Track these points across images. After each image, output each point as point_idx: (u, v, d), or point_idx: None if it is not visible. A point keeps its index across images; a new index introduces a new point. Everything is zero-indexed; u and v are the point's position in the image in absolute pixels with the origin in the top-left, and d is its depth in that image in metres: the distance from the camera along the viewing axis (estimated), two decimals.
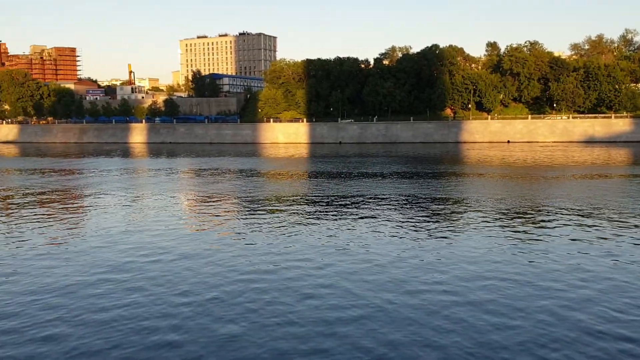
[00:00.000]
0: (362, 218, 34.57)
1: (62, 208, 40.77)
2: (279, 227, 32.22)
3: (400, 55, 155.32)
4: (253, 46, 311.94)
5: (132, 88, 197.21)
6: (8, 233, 31.78)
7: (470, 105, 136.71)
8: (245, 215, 36.87)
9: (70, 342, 16.03)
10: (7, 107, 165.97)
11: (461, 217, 35.02)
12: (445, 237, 28.81)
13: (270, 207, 40.23)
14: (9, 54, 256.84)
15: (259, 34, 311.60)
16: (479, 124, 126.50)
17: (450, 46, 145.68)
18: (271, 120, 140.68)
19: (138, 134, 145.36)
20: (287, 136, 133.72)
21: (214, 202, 42.92)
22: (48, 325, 17.33)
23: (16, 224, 34.22)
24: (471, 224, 32.28)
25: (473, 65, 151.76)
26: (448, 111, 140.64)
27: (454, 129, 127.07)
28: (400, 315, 17.84)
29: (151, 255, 25.81)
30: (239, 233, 30.96)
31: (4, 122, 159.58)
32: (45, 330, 16.95)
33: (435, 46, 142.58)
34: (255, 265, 23.99)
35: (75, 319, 17.86)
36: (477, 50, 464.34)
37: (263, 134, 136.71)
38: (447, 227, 31.68)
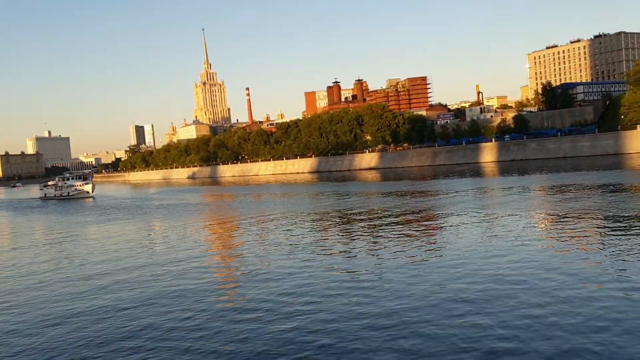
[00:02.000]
0: None
1: (418, 228, 42.89)
2: None
3: None
4: (612, 47, 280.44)
5: (480, 108, 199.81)
6: (371, 250, 34.77)
7: None
8: (605, 232, 31.93)
9: None
10: (368, 137, 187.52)
11: None
12: None
13: None
14: (369, 90, 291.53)
15: (619, 33, 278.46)
16: None
17: None
18: (638, 127, 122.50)
19: (488, 153, 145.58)
20: None
21: (573, 220, 38.76)
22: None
23: (377, 242, 37.26)
24: None
25: None
26: None
27: None
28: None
29: (508, 282, 24.34)
30: (606, 253, 26.79)
31: (367, 151, 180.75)
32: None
33: None
34: None
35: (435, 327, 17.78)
36: None
37: (627, 143, 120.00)
38: None
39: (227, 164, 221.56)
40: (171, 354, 19.02)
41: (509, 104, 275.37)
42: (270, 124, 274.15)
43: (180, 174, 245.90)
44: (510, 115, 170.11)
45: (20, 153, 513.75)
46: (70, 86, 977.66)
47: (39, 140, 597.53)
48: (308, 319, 21.45)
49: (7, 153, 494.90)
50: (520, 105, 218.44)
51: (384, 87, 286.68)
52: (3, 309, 27.76)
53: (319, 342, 18.81)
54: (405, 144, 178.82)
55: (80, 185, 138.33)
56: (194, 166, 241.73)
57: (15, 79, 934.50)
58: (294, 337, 19.46)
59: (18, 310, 27.18)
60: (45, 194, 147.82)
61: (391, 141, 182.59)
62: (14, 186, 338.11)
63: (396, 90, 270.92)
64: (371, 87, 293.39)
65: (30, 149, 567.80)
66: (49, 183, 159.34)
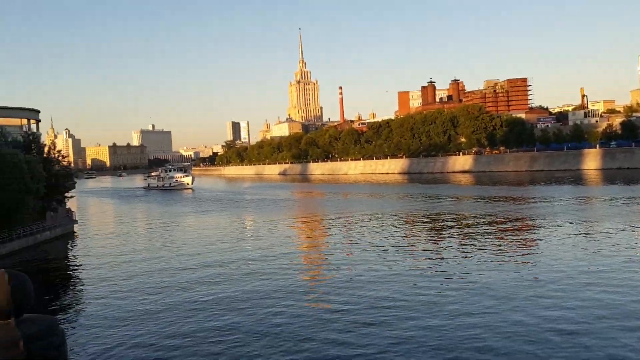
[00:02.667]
0: None
1: (512, 237, 41.07)
2: None
3: None
4: None
5: (584, 112, 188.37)
6: (459, 257, 33.71)
7: None
8: None
9: None
10: (463, 139, 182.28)
11: None
12: None
13: None
14: (465, 91, 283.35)
15: None
16: None
17: None
18: None
19: (591, 160, 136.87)
20: None
21: None
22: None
23: (467, 250, 36.05)
24: None
25: None
26: None
27: None
28: None
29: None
30: None
31: (461, 153, 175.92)
32: None
33: None
34: None
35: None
36: None
37: None
38: None
39: (318, 161, 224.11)
40: (256, 352, 19.41)
41: (617, 109, 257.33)
42: (362, 124, 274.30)
43: (272, 170, 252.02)
44: (617, 121, 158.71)
45: (126, 145, 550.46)
46: (174, 83, 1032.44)
47: (143, 133, 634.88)
48: (391, 322, 21.15)
49: (114, 144, 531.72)
50: (630, 110, 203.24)
51: (481, 88, 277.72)
52: (99, 295, 29.68)
53: (405, 346, 18.47)
54: (501, 148, 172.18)
55: (181, 177, 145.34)
56: (285, 163, 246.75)
57: (124, 75, 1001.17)
58: (374, 340, 19.23)
59: (114, 298, 28.96)
60: (148, 184, 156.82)
61: (487, 144, 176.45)
62: (120, 175, 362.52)
63: (494, 91, 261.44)
64: (468, 88, 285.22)
65: (135, 141, 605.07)
66: (152, 174, 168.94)
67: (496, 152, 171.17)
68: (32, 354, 1.20)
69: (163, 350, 19.96)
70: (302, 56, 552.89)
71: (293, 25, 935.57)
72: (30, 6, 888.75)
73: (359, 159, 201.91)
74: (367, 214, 60.80)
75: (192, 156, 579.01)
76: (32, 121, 68.40)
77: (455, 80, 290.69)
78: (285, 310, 23.85)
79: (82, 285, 33.97)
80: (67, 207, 63.36)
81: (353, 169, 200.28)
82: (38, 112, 70.45)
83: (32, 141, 56.71)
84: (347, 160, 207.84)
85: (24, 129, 63.53)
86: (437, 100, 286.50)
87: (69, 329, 23.50)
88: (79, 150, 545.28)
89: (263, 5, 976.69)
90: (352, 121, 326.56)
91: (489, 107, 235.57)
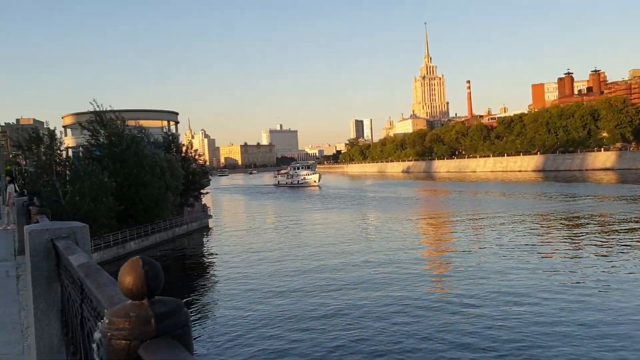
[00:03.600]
0: None
1: None
2: None
3: None
4: None
5: None
6: (597, 260, 30.62)
7: None
8: None
9: None
10: (605, 134, 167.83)
11: None
12: None
13: None
14: (607, 82, 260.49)
15: None
16: None
17: None
18: None
19: None
20: None
21: None
22: None
23: (606, 253, 32.67)
24: None
25: None
26: None
27: None
28: None
29: None
30: None
31: (602, 149, 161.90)
32: None
33: None
34: None
35: None
36: None
37: None
38: None
39: (443, 159, 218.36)
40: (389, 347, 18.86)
41: None
42: (491, 119, 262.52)
43: (395, 168, 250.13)
44: None
45: (256, 144, 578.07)
46: (300, 84, 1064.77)
47: (272, 132, 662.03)
48: (518, 322, 19.59)
49: (245, 144, 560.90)
50: None
51: (625, 79, 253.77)
52: (228, 286, 30.83)
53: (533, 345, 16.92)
54: None
55: (308, 175, 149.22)
56: (409, 160, 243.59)
57: (255, 78, 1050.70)
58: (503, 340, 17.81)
59: (241, 289, 29.91)
60: (278, 182, 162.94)
61: (632, 139, 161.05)
62: (250, 173, 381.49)
63: None
64: (610, 79, 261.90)
65: (264, 140, 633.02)
66: (282, 172, 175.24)
67: None
68: (161, 331, 1.40)
69: (282, 343, 20.14)
70: (428, 51, 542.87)
71: (417, 19, 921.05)
72: (172, 13, 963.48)
73: (489, 156, 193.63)
74: (497, 214, 57.68)
75: (317, 154, 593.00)
76: (171, 123, 73.69)
77: (595, 71, 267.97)
78: (411, 315, 23.08)
79: (213, 275, 35.77)
80: (202, 202, 67.35)
81: (482, 166, 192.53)
82: (177, 114, 75.75)
83: (171, 141, 60.94)
84: (475, 157, 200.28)
85: (164, 130, 68.56)
86: (575, 92, 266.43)
87: (195, 313, 24.86)
88: (213, 149, 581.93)
89: (387, 1, 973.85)
90: (480, 116, 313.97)
91: (635, 99, 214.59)
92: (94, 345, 1.52)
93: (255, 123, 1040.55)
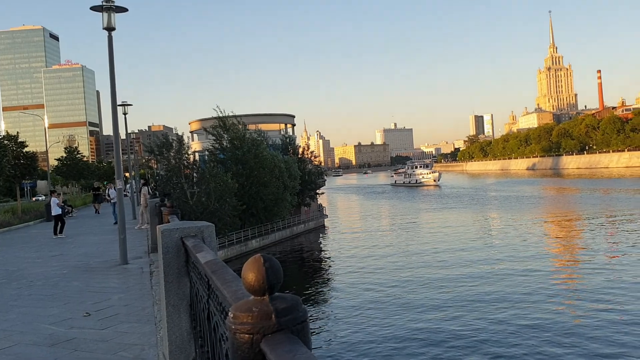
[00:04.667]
0: None
1: None
2: None
3: None
4: None
5: None
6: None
7: None
8: None
9: None
10: None
11: None
12: None
13: None
14: None
15: None
16: None
17: None
18: None
19: None
20: None
21: None
22: None
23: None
24: None
25: None
26: None
27: None
28: None
29: None
30: None
31: None
32: None
33: None
34: None
35: None
36: None
37: None
38: None
39: (572, 154, 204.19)
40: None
41: None
42: (626, 110, 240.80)
43: (518, 165, 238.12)
44: None
45: (370, 144, 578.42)
46: (414, 81, 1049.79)
47: (386, 131, 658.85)
48: None
49: (359, 143, 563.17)
50: None
51: None
52: (343, 285, 31.05)
53: None
54: None
55: (427, 174, 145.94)
56: (534, 157, 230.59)
57: (366, 77, 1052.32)
58: None
59: (355, 289, 30.01)
60: (395, 181, 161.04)
61: None
62: (365, 173, 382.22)
63: None
64: None
65: (378, 140, 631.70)
66: (399, 171, 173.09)
67: None
68: (281, 326, 1.47)
69: (394, 343, 19.94)
70: (553, 40, 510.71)
71: (541, 8, 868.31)
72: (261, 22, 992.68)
73: (623, 151, 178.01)
74: (633, 213, 52.79)
75: (433, 152, 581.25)
76: (288, 125, 75.95)
77: None
78: (532, 316, 21.81)
79: (329, 273, 36.36)
80: (318, 202, 68.66)
81: (616, 161, 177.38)
82: (293, 117, 77.95)
83: (288, 143, 62.80)
84: (608, 151, 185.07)
85: (281, 132, 70.84)
86: None
87: (311, 310, 25.40)
88: (328, 150, 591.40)
89: None
90: (613, 108, 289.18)
91: None
92: (220, 338, 1.58)
93: (369, 122, 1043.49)
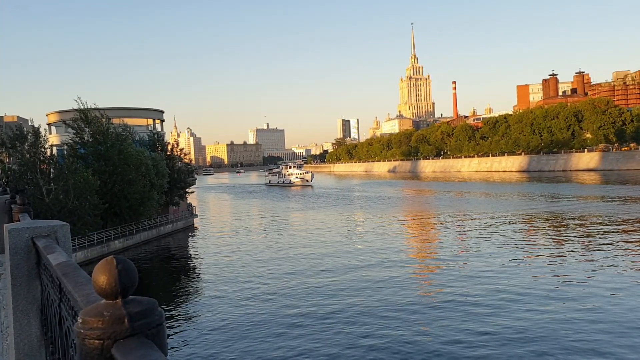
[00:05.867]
0: None
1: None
2: None
3: None
4: None
5: None
6: (580, 261, 31.01)
7: None
8: None
9: None
10: (588, 135, 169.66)
11: None
12: None
13: None
14: (591, 84, 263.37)
15: None
16: None
17: None
18: None
19: None
20: None
21: None
22: None
23: (589, 254, 33.11)
24: None
25: None
26: None
27: None
28: None
29: None
30: None
31: (586, 150, 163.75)
32: None
33: None
34: None
35: None
36: None
37: None
38: None
39: (429, 159, 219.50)
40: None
41: None
42: (477, 119, 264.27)
43: (381, 167, 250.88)
44: None
45: (242, 143, 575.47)
46: (286, 83, 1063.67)
47: (258, 131, 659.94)
48: (503, 322, 19.74)
49: (232, 142, 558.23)
50: None
51: (609, 81, 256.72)
52: (210, 286, 30.69)
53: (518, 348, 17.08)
54: (632, 144, 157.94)
55: (302, 174, 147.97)
56: (395, 160, 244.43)
57: (241, 76, 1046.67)
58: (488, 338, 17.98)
59: (224, 290, 29.80)
60: (269, 181, 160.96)
61: (615, 140, 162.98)
62: (238, 172, 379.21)
63: (624, 83, 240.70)
64: (594, 81, 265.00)
65: (251, 140, 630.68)
66: (273, 170, 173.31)
67: (626, 148, 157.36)
68: (135, 330, 1.41)
69: (260, 345, 20.11)
70: (414, 51, 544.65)
71: (404, 20, 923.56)
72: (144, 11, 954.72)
73: (473, 156, 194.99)
74: (482, 213, 58.13)
75: (304, 153, 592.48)
76: (157, 121, 73.17)
77: (580, 73, 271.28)
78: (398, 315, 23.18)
79: (196, 275, 35.64)
80: (188, 201, 66.97)
81: (467, 166, 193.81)
82: (162, 112, 75.22)
83: (156, 140, 60.53)
84: (461, 157, 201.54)
85: (149, 128, 68.07)
86: (560, 93, 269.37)
87: (173, 313, 24.82)
88: (199, 148, 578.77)
89: (373, 1, 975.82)
90: (466, 117, 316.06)
91: (618, 100, 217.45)
92: (72, 344, 1.52)
93: (242, 122, 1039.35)
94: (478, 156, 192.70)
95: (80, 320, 1.48)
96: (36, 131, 42.89)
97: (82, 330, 1.46)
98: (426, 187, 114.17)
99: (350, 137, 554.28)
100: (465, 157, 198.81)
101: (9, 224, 5.06)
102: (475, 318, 21.57)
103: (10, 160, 48.37)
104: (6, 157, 49.95)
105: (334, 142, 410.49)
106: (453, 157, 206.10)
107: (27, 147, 40.46)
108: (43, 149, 42.55)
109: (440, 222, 54.44)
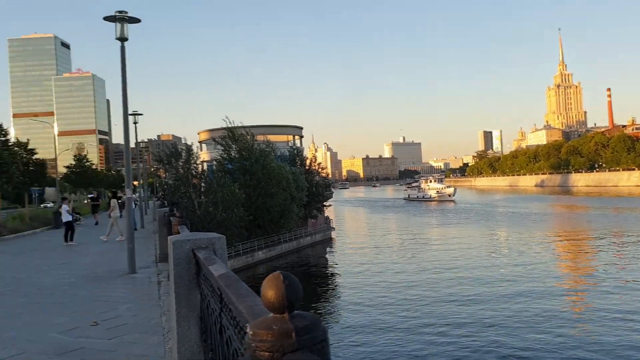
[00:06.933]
0: None
1: None
2: None
3: None
4: None
5: None
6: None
7: None
8: None
9: None
10: None
11: None
12: None
13: None
14: None
15: None
16: None
17: None
18: None
19: None
20: None
21: None
22: None
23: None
24: None
25: None
26: None
27: None
28: None
29: None
30: None
31: None
32: None
33: None
34: None
35: None
36: None
37: None
38: None
39: (581, 172, 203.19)
40: None
41: None
42: (636, 129, 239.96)
43: (527, 181, 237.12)
44: None
45: (378, 157, 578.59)
46: (423, 95, 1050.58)
47: (394, 145, 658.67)
48: None
49: (367, 156, 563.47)
50: None
51: None
52: (353, 301, 30.84)
53: None
54: None
55: (443, 189, 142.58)
56: (542, 173, 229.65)
57: (377, 91, 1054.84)
58: None
59: (365, 305, 29.81)
60: (409, 195, 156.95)
61: None
62: (374, 186, 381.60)
63: None
64: None
65: (386, 153, 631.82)
66: (412, 184, 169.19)
67: None
68: (301, 345, 1.43)
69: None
70: (562, 58, 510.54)
71: (550, 25, 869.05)
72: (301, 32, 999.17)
73: (634, 169, 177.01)
74: None
75: (442, 167, 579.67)
76: (296, 137, 76.13)
77: None
78: (541, 336, 21.59)
79: (339, 289, 36.08)
80: (325, 214, 68.53)
81: (625, 180, 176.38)
82: (301, 128, 78.15)
83: (296, 155, 62.90)
84: (618, 170, 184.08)
85: (289, 144, 70.96)
86: None
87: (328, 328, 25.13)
88: (335, 162, 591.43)
89: (516, 7, 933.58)
90: (623, 126, 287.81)
91: None
92: (234, 353, 1.55)
93: (378, 136, 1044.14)
94: (639, 169, 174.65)
95: (250, 333, 1.52)
96: (189, 148, 46.66)
97: (253, 343, 1.49)
98: (579, 203, 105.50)
99: (492, 149, 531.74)
100: (623, 169, 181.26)
101: (172, 236, 5.46)
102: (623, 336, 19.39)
103: (166, 175, 53.16)
104: (163, 172, 55.01)
105: (475, 154, 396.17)
106: (609, 170, 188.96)
107: (181, 163, 43.99)
108: (195, 165, 46.14)
109: (594, 241, 49.95)
